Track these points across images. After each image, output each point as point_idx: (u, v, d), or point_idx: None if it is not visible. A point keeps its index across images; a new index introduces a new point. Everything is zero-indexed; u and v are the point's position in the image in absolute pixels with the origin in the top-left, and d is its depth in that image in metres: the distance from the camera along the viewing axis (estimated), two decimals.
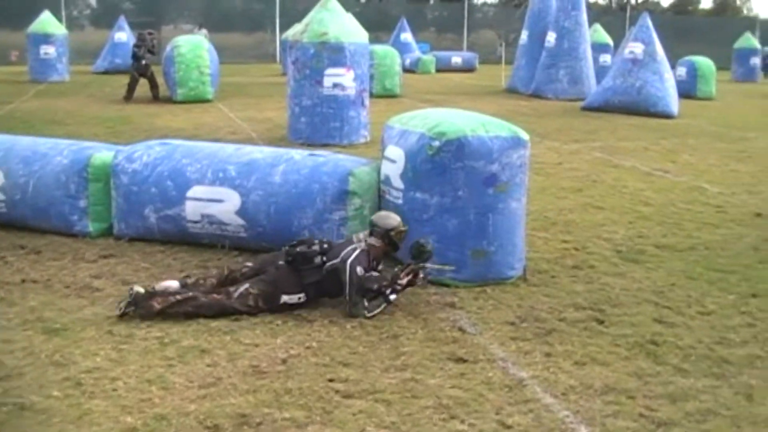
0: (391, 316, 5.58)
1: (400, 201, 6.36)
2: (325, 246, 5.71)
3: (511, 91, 24.51)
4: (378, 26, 41.45)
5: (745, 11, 67.45)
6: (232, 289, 5.56)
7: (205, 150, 7.29)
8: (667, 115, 18.68)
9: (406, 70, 32.19)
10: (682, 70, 25.11)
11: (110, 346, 5.02)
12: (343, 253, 5.60)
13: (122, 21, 31.83)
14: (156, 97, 19.90)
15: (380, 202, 6.68)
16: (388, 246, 5.87)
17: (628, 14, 46.95)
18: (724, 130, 17.02)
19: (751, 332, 5.53)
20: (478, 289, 6.10)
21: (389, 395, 4.41)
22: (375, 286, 5.56)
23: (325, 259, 5.63)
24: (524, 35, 25.07)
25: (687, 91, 24.26)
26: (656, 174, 11.38)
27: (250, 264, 5.93)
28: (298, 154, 7.11)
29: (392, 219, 5.92)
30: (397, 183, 6.37)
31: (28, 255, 6.99)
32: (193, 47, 19.69)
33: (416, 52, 34.19)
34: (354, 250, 5.63)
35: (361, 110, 13.16)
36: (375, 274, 5.71)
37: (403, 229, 5.89)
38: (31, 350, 4.94)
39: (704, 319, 5.76)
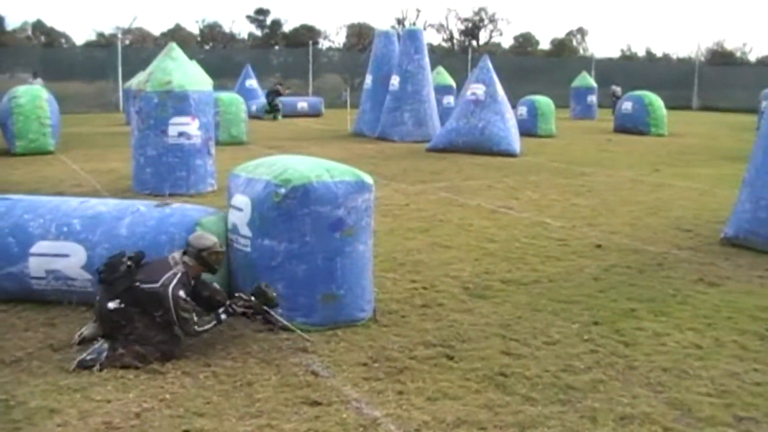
0: (244, 363, 5.56)
1: (248, 249, 6.36)
2: (132, 255, 5.71)
3: (358, 134, 24.84)
4: (223, 73, 41.32)
5: (581, 51, 70.75)
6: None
7: (48, 204, 7.08)
8: (510, 154, 19.33)
9: (253, 116, 32.20)
10: (523, 110, 26.08)
11: None
12: (163, 279, 5.57)
13: None
14: None
15: (228, 251, 6.65)
16: (202, 267, 5.85)
17: (470, 56, 48.46)
18: (564, 166, 17.76)
19: (594, 358, 5.79)
20: (330, 333, 6.15)
21: None
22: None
23: (131, 264, 5.63)
24: (368, 79, 25.51)
25: (528, 129, 25.23)
26: (500, 211, 11.77)
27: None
28: (144, 206, 7.01)
29: (206, 239, 5.91)
30: (245, 231, 6.37)
31: None
32: (32, 97, 19.02)
33: (261, 98, 34.16)
34: (174, 275, 5.62)
35: (208, 159, 13.07)
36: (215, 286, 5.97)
37: (219, 250, 5.92)
38: None
39: (550, 348, 5.99)
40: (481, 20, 66.89)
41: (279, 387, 5.18)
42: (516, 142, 19.90)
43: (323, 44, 62.95)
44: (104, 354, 5.38)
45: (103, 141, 22.23)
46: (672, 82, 47.32)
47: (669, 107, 29.10)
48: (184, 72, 12.92)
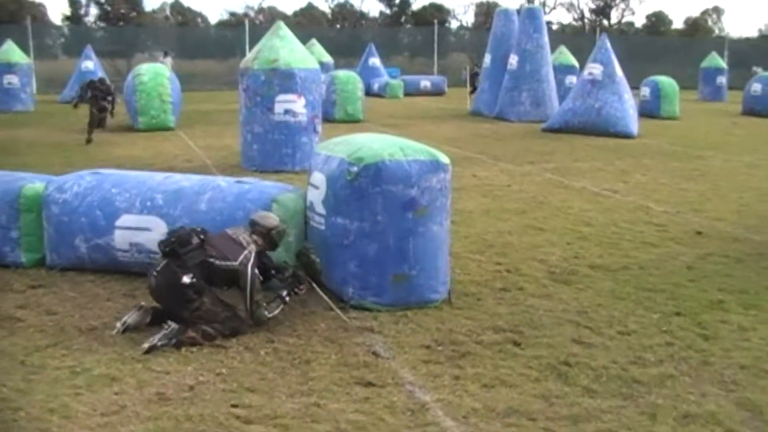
0: (308, 341, 5.58)
1: (322, 227, 6.37)
2: (199, 230, 5.76)
3: (476, 114, 24.64)
4: (351, 51, 41.72)
5: (716, 31, 68.10)
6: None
7: (134, 179, 7.29)
8: (627, 135, 18.81)
9: (375, 94, 32.46)
10: (645, 91, 25.33)
11: (19, 377, 4.99)
12: (241, 257, 5.65)
13: (89, 50, 31.92)
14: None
15: (306, 228, 6.68)
16: (268, 245, 5.97)
17: (597, 36, 47.25)
18: (681, 149, 17.14)
19: (668, 351, 5.54)
20: (400, 313, 6.10)
21: (289, 420, 4.40)
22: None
23: (203, 238, 5.67)
24: (487, 59, 25.25)
25: (651, 111, 24.52)
26: (604, 194, 11.44)
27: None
28: (225, 181, 7.12)
29: (272, 219, 6.06)
30: (320, 209, 6.39)
31: None
32: (154, 75, 19.73)
33: (384, 77, 34.29)
34: (251, 253, 5.70)
35: (314, 136, 13.17)
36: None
37: (283, 228, 6.04)
38: None
39: (623, 338, 5.77)
40: None
41: (336, 366, 5.17)
42: (633, 123, 19.32)
43: (452, 23, 62.64)
44: (174, 339, 5.44)
45: (223, 118, 22.74)
46: None
47: None
48: (290, 50, 13.05)
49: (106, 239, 6.98)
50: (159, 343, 5.39)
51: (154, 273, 5.64)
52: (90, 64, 31.24)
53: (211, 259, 5.66)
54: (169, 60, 33.16)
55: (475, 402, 4.66)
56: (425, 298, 6.27)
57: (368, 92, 32.43)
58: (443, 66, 46.19)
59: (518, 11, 24.74)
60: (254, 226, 5.97)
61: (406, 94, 33.07)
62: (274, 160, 12.93)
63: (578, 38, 50.80)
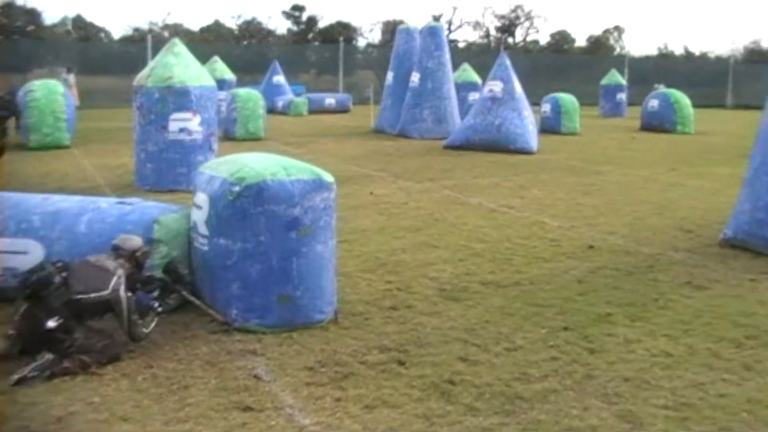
0: (188, 365, 5.42)
1: (206, 248, 6.23)
2: (60, 266, 5.51)
3: (379, 131, 24.69)
4: (257, 68, 41.47)
5: (618, 49, 69.89)
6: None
7: (9, 200, 7.00)
8: (527, 151, 19.07)
9: (279, 112, 32.27)
10: (546, 107, 25.81)
11: None
12: (112, 284, 5.43)
13: None
14: None
15: (190, 249, 6.52)
16: (134, 267, 5.79)
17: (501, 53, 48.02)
18: (580, 164, 17.45)
19: (553, 366, 5.55)
20: (285, 335, 5.98)
21: None
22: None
23: (65, 275, 5.41)
24: (390, 76, 25.35)
25: (552, 127, 25.01)
26: (500, 210, 11.53)
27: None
28: (106, 202, 6.92)
29: (135, 240, 5.89)
30: (203, 229, 6.24)
31: None
32: (48, 92, 19.13)
33: (289, 95, 34.16)
34: (120, 278, 5.50)
35: (210, 155, 12.92)
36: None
37: (146, 249, 5.92)
38: None
39: (509, 355, 5.76)
40: (518, 17, 66.38)
41: (215, 391, 5.02)
42: (533, 139, 19.62)
43: (359, 41, 62.86)
44: (47, 371, 5.18)
45: (121, 136, 22.05)
46: (707, 80, 46.61)
47: (703, 105, 28.62)
48: (185, 67, 12.84)
49: None
50: (30, 375, 5.13)
51: (17, 317, 5.37)
52: None
53: (78, 296, 5.38)
54: (72, 76, 32.41)
55: (355, 424, 4.58)
56: (311, 319, 6.17)
57: (273, 110, 32.29)
58: (349, 83, 46.28)
59: (420, 29, 24.92)
60: (118, 250, 5.77)
61: (311, 111, 32.97)
62: (168, 180, 12.66)
63: (484, 56, 51.46)
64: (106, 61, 47.64)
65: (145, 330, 5.58)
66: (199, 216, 6.32)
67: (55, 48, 52.53)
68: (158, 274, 6.06)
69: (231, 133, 21.57)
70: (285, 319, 6.06)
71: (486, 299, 7.14)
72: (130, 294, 5.53)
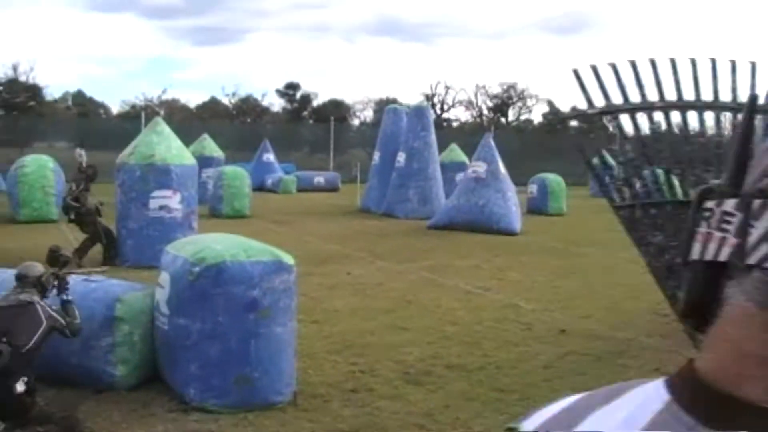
0: None
1: (166, 327, 6.28)
2: None
3: (365, 210, 24.82)
4: (249, 146, 41.77)
5: (611, 128, 70.27)
6: None
7: None
8: (510, 232, 19.15)
9: (269, 189, 32.47)
10: (533, 188, 25.98)
11: None
12: (42, 315, 5.53)
13: None
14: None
15: (152, 328, 6.56)
16: (41, 292, 5.81)
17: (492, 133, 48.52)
18: (562, 245, 17.53)
19: None
20: (241, 416, 5.99)
21: None
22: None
23: (7, 341, 5.38)
24: (376, 156, 25.60)
25: (538, 207, 25.15)
26: (475, 292, 11.56)
27: None
28: (73, 279, 6.95)
29: (37, 267, 5.96)
30: (164, 308, 6.31)
31: None
32: (38, 167, 19.43)
33: (278, 173, 34.44)
34: (44, 307, 5.61)
35: (189, 233, 12.99)
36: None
37: (48, 273, 5.96)
38: None
39: None
40: (510, 97, 67.20)
41: None
42: (516, 220, 19.74)
43: (353, 119, 63.55)
44: None
45: (110, 212, 22.36)
46: None
47: None
48: (167, 146, 13.03)
49: None
50: None
51: None
52: None
53: (28, 346, 5.42)
54: (83, 152, 32.69)
55: None
56: (268, 400, 6.18)
57: (262, 187, 32.51)
58: (341, 162, 46.63)
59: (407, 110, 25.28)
60: (24, 279, 5.79)
61: (300, 189, 33.20)
62: (148, 256, 12.64)
63: (477, 135, 52.00)
64: (102, 136, 48.13)
65: (77, 322, 5.79)
66: (161, 295, 6.39)
67: (54, 123, 53.30)
68: (47, 269, 6.08)
69: (217, 211, 21.69)
70: (243, 400, 6.08)
71: (449, 383, 7.14)
72: (54, 308, 5.69)
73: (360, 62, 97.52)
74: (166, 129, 13.32)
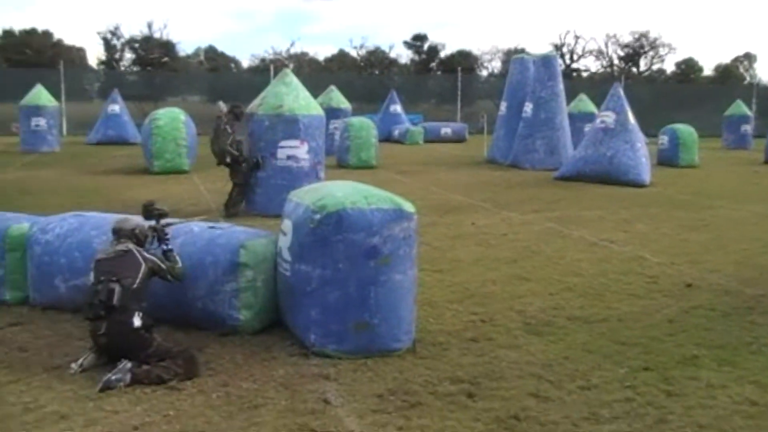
0: (262, 386, 5.60)
1: (288, 273, 6.41)
2: (102, 278, 5.88)
3: (491, 161, 24.64)
4: (378, 97, 42.00)
5: (748, 78, 67.49)
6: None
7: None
8: (639, 184, 18.69)
9: (395, 140, 32.61)
10: (664, 139, 25.20)
11: None
12: (140, 258, 6.02)
13: (115, 94, 32.58)
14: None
15: (276, 274, 6.71)
16: (137, 243, 6.19)
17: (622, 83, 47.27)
18: (692, 198, 17.01)
19: (626, 408, 5.42)
20: (360, 362, 6.08)
21: None
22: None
23: (115, 280, 5.78)
24: (503, 106, 25.31)
25: (669, 159, 24.42)
26: (601, 244, 11.34)
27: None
28: (199, 226, 7.18)
29: (130, 220, 6.39)
30: (286, 255, 6.43)
31: None
32: (170, 119, 20.06)
33: (405, 124, 34.49)
34: (140, 251, 6.10)
35: (316, 183, 13.20)
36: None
37: (143, 226, 6.37)
38: None
39: (583, 393, 5.67)
40: (642, 47, 65.07)
41: (284, 412, 5.16)
42: (645, 172, 19.20)
43: (480, 70, 62.84)
44: (129, 374, 5.51)
45: None
46: None
47: None
48: (295, 97, 13.18)
49: (83, 280, 7.03)
50: (113, 378, 5.47)
51: (100, 333, 5.73)
52: (116, 107, 31.90)
53: (133, 286, 5.83)
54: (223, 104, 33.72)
55: None
56: (387, 347, 6.24)
57: (389, 138, 32.73)
58: (469, 113, 46.35)
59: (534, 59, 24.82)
60: (119, 232, 6.21)
61: (427, 140, 33.22)
62: (275, 205, 12.86)
63: (606, 86, 50.80)
64: (233, 90, 49.21)
65: (179, 266, 6.37)
66: (284, 242, 6.51)
67: (187, 78, 54.93)
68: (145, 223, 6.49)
69: (344, 161, 22.00)
70: (361, 346, 6.16)
71: (569, 335, 7.05)
72: (152, 253, 6.18)
73: (488, 12, 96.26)
74: (294, 80, 13.48)
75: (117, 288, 5.73)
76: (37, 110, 27.27)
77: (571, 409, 5.38)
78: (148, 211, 6.59)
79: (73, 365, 5.80)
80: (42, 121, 27.31)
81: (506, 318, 7.52)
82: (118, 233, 6.23)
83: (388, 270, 6.15)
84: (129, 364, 5.58)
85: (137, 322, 5.74)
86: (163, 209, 6.62)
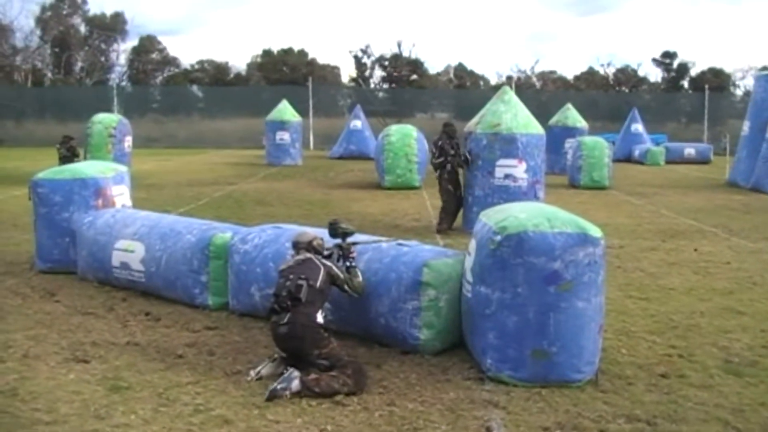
0: (427, 409, 5.57)
1: (469, 294, 6.34)
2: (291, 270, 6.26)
3: (732, 184, 23.19)
4: (622, 116, 40.86)
5: None
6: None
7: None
8: None
9: (636, 161, 31.57)
10: None
11: (151, 407, 5.48)
12: (321, 265, 6.31)
13: (358, 110, 33.83)
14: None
15: (459, 294, 6.67)
16: (315, 253, 6.49)
17: None
18: None
19: None
20: (535, 390, 5.90)
21: None
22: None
23: (303, 277, 6.13)
24: (746, 126, 23.77)
25: None
26: None
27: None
28: (387, 243, 7.26)
29: (307, 234, 6.71)
30: (469, 276, 6.37)
31: (147, 321, 7.81)
32: (402, 136, 20.57)
33: (647, 143, 33.25)
34: (318, 258, 6.39)
35: (534, 202, 13.02)
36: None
37: (320, 239, 6.65)
38: (87, 403, 5.53)
39: None
40: None
41: None
42: None
43: (733, 89, 59.50)
44: (294, 382, 5.66)
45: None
46: None
47: None
48: (514, 115, 13.07)
49: None
50: (279, 387, 5.65)
51: (282, 323, 5.96)
52: (358, 123, 33.09)
53: (316, 286, 6.14)
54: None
55: None
56: (566, 377, 6.01)
57: (629, 158, 31.74)
58: (716, 133, 43.99)
59: None
60: (297, 245, 6.54)
61: (669, 161, 31.83)
62: None
63: None
64: (479, 107, 49.68)
65: (359, 280, 6.58)
66: (468, 262, 6.46)
67: (433, 95, 56.23)
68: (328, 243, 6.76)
69: (575, 181, 21.57)
70: (538, 375, 5.98)
71: None
72: (329, 262, 6.43)
73: (743, 26, 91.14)
74: (513, 98, 13.39)
75: (305, 284, 6.04)
76: (281, 125, 28.98)
77: None
78: (334, 230, 6.81)
79: (252, 372, 6.05)
80: (286, 135, 28.96)
81: (706, 354, 7.03)
82: (297, 246, 6.53)
83: (570, 296, 5.94)
84: (296, 372, 5.73)
85: (320, 318, 6.05)
86: (348, 228, 6.83)
